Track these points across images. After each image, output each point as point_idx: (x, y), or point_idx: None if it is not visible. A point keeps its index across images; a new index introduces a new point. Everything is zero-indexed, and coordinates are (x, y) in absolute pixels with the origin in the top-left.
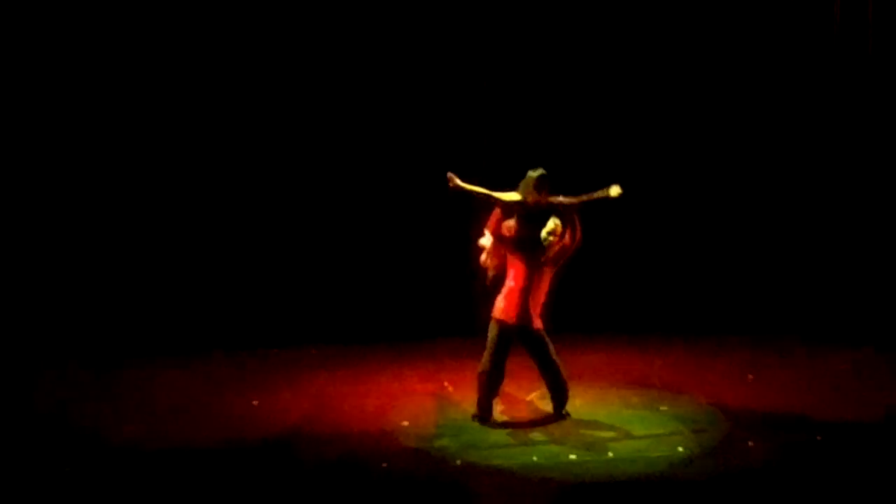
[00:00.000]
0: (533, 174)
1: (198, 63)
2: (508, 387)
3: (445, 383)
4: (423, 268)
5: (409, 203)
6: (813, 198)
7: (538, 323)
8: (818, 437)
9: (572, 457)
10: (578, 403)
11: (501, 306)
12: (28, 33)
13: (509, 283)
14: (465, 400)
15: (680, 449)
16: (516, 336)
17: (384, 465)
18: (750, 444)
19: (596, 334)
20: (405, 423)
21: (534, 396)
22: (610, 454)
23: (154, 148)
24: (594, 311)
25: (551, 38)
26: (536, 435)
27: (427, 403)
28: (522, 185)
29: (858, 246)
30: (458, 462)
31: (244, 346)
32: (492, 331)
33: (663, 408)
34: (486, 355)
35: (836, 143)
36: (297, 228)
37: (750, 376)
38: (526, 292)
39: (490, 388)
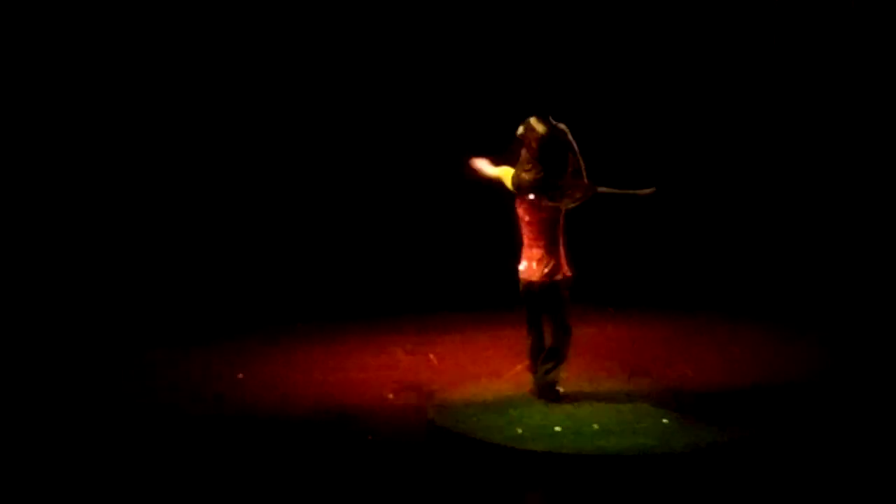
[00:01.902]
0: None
1: (182, 47)
2: (495, 358)
3: (431, 356)
4: (409, 241)
5: (392, 176)
6: (794, 180)
7: (566, 269)
8: (800, 411)
9: (557, 429)
10: (563, 375)
11: (524, 267)
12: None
13: (532, 241)
14: (450, 372)
15: (665, 421)
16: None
17: (369, 437)
18: (735, 416)
19: (582, 306)
20: (390, 396)
21: (520, 368)
22: (595, 426)
23: (126, 128)
24: (580, 283)
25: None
26: (521, 407)
27: (412, 376)
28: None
29: (839, 230)
30: (443, 434)
31: (230, 320)
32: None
33: (648, 380)
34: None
35: (815, 129)
36: (280, 204)
37: (735, 350)
38: (548, 245)
39: (530, 351)
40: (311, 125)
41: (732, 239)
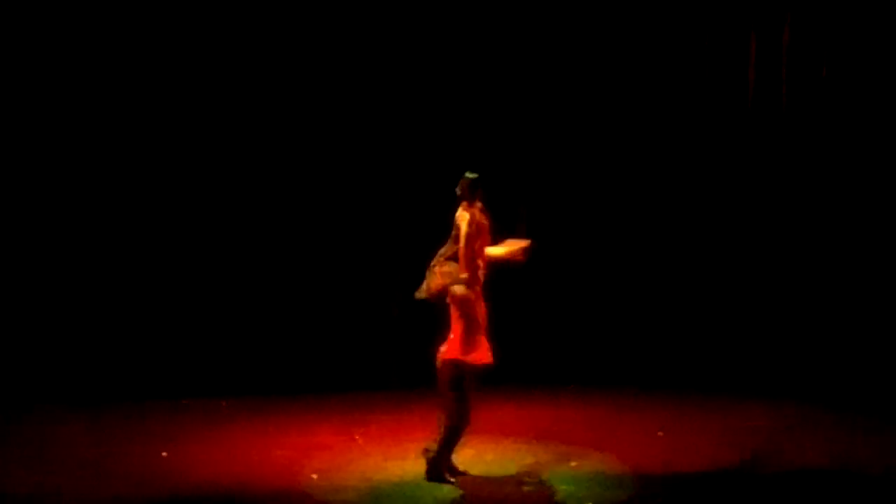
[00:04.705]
0: (469, 175)
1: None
2: (422, 439)
3: (356, 436)
4: (334, 320)
5: (319, 255)
6: (726, 253)
7: (458, 353)
8: (725, 497)
9: None
10: (489, 458)
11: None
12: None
13: (480, 321)
14: (376, 452)
15: None
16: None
17: None
18: (659, 500)
19: (504, 386)
20: (314, 476)
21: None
22: None
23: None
24: (503, 363)
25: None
26: (446, 488)
27: (337, 456)
28: (459, 187)
29: (775, 300)
30: None
31: (153, 397)
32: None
33: (573, 463)
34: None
35: (750, 198)
36: (204, 279)
37: (660, 433)
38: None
39: None
40: (235, 198)
41: (652, 314)
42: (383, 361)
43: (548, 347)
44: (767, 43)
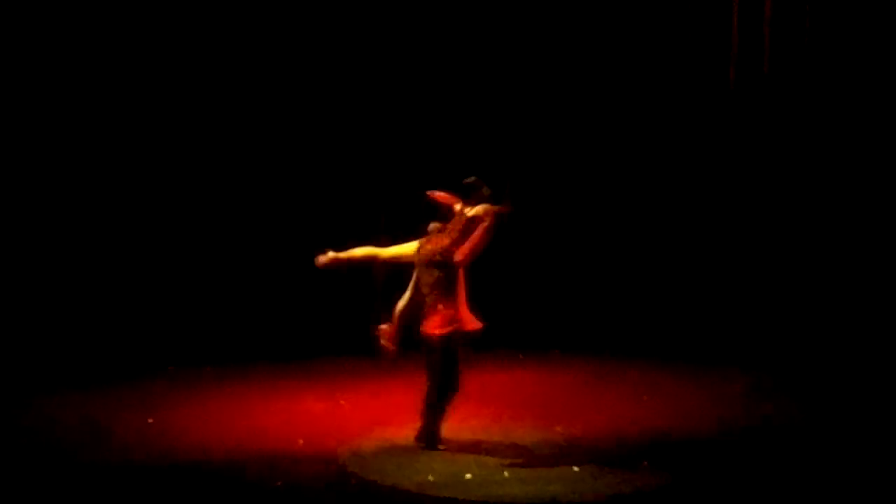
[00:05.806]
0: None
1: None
2: (406, 404)
3: (341, 402)
4: (319, 286)
5: (302, 223)
6: (708, 223)
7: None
8: (710, 458)
9: (468, 476)
10: (474, 423)
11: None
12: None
13: (460, 291)
14: (361, 418)
15: (575, 468)
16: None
17: (278, 483)
18: (644, 463)
19: (490, 352)
20: (300, 442)
21: None
22: (505, 473)
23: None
24: (489, 329)
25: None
26: (433, 454)
27: (323, 422)
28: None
29: (753, 272)
30: (354, 480)
31: (138, 364)
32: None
33: (558, 428)
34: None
35: (730, 167)
36: (191, 246)
37: (645, 397)
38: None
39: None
40: (227, 162)
41: (640, 282)
42: (367, 327)
43: (533, 315)
44: (749, 11)
